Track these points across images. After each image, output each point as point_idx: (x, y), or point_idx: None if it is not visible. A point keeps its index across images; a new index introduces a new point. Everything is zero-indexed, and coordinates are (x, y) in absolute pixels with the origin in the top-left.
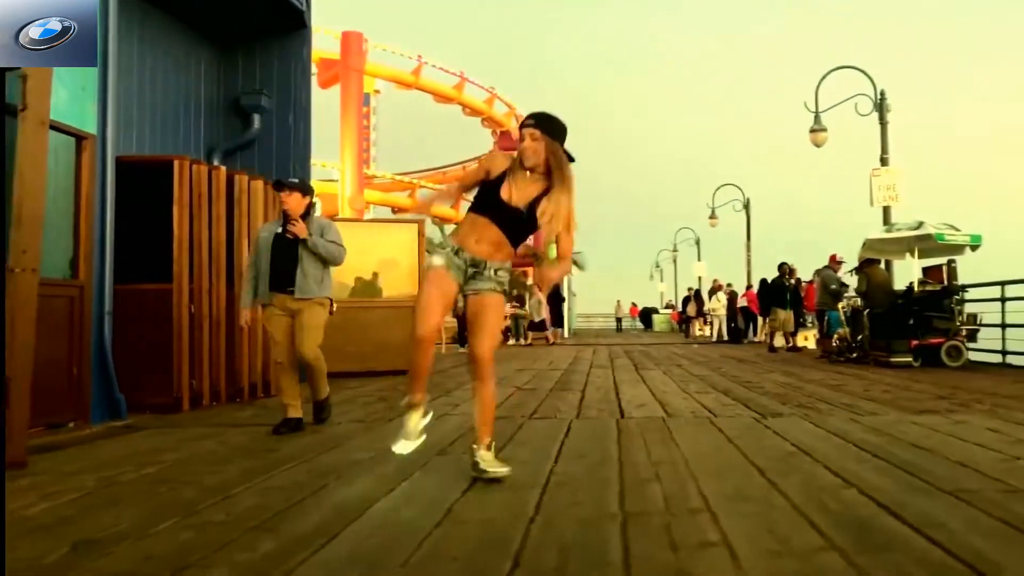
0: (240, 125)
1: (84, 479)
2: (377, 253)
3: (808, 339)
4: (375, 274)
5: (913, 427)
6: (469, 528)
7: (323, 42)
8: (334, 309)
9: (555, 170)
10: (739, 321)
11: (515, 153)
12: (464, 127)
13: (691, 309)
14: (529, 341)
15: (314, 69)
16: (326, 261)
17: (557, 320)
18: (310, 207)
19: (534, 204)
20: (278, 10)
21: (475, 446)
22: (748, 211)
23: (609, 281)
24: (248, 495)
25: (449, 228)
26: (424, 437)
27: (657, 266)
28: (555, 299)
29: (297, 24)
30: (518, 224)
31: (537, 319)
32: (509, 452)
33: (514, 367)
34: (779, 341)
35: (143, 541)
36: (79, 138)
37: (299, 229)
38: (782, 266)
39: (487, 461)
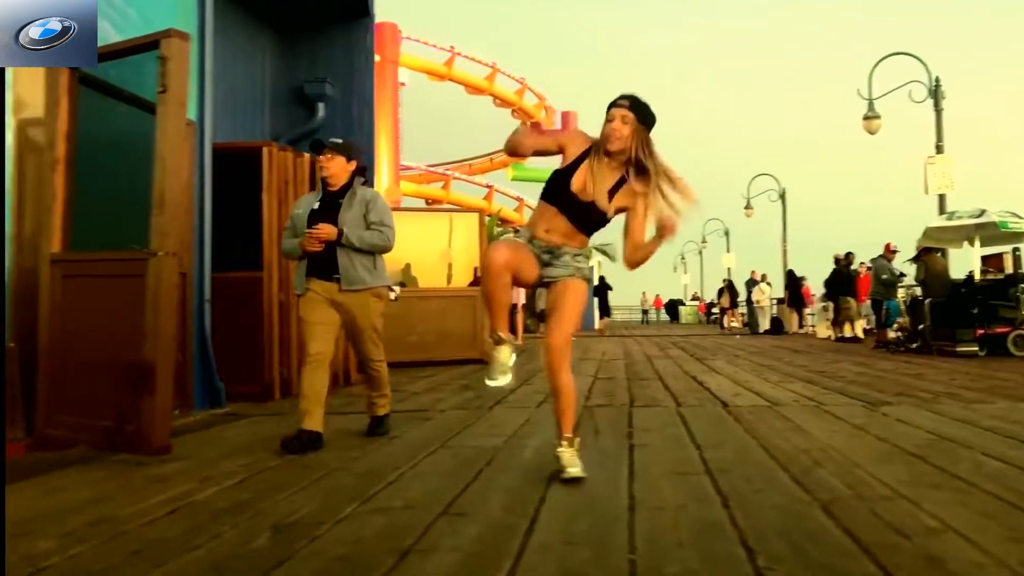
0: (304, 114)
1: (229, 464)
2: (438, 242)
3: (855, 329)
4: (435, 263)
5: None
6: (667, 514)
7: None
8: (395, 295)
9: (647, 162)
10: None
11: (596, 135)
12: (493, 118)
13: (724, 300)
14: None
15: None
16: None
17: (605, 310)
18: (356, 174)
19: (609, 195)
20: None
21: (558, 441)
22: (784, 201)
23: (629, 273)
24: (410, 480)
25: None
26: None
27: (682, 258)
28: (602, 290)
29: (360, 12)
30: (589, 216)
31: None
32: (641, 439)
33: (575, 356)
34: (852, 330)
35: (341, 525)
36: None
37: (325, 232)
38: (848, 255)
39: (565, 458)
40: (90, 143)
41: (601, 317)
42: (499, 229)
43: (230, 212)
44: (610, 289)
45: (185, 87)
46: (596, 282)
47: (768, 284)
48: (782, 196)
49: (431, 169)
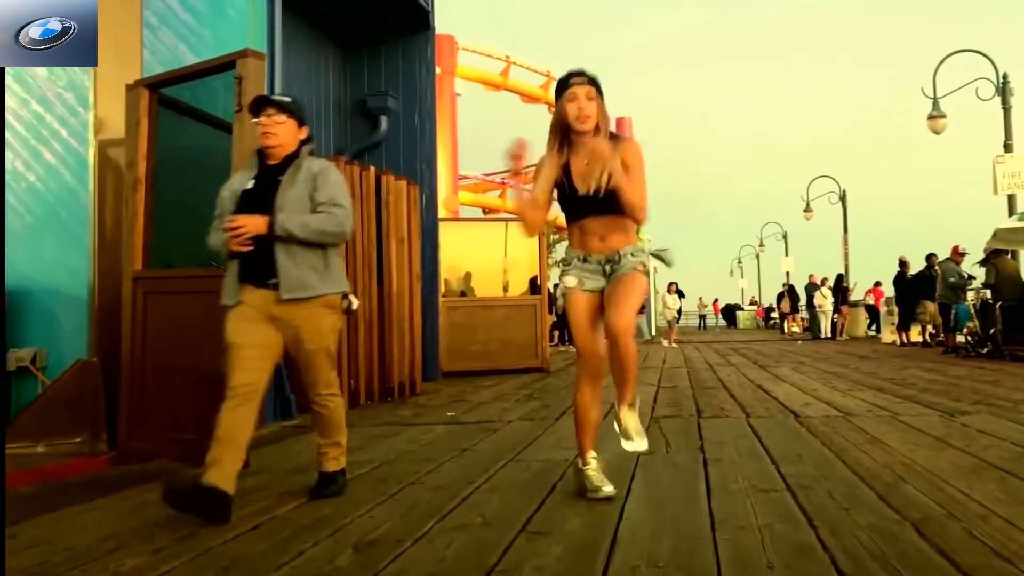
0: (367, 127)
1: (307, 478)
2: (499, 252)
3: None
4: (496, 273)
5: None
6: (751, 534)
7: None
8: (355, 305)
9: (607, 134)
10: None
11: (551, 141)
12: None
13: (785, 305)
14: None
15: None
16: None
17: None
18: (304, 143)
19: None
20: (404, 11)
21: (617, 409)
22: (844, 203)
23: (685, 278)
24: (486, 495)
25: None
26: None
27: (739, 262)
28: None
29: (422, 25)
30: (613, 200)
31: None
32: (714, 452)
33: None
34: (921, 335)
35: (420, 544)
36: None
37: (252, 224)
38: (929, 257)
39: (629, 422)
40: (169, 162)
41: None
42: (555, 236)
43: None
44: (683, 296)
45: None
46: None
47: (829, 288)
48: (842, 198)
49: (488, 178)
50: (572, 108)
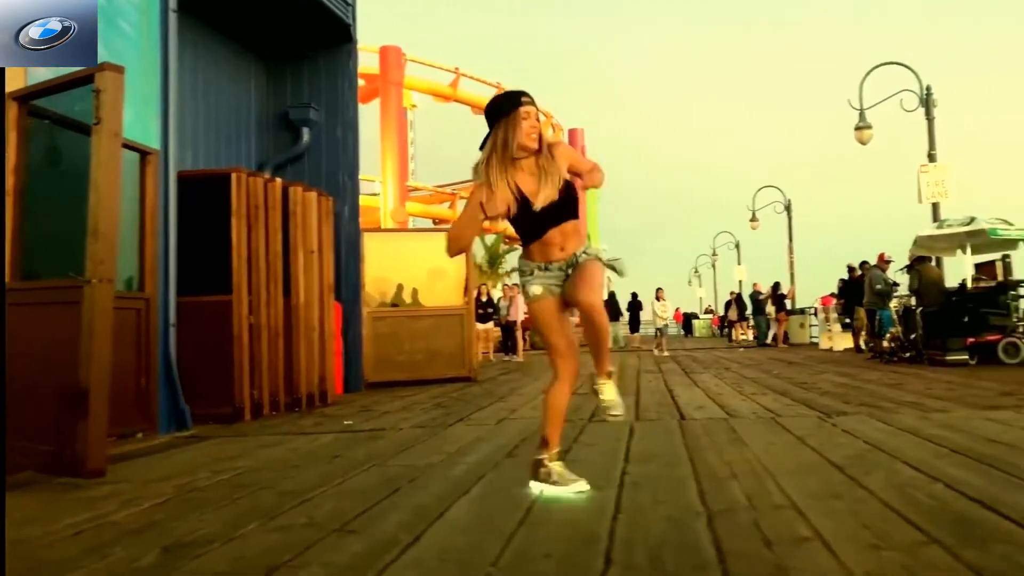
0: (290, 139)
1: (162, 486)
2: (424, 262)
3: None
4: (423, 283)
5: (986, 423)
6: (553, 527)
7: (362, 57)
8: None
9: (545, 145)
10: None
11: (504, 160)
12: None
13: (732, 313)
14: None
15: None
16: None
17: (635, 326)
18: None
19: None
20: (325, 25)
21: (596, 376)
22: (790, 213)
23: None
24: (326, 499)
25: (490, 237)
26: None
27: (696, 271)
28: (634, 307)
29: (344, 38)
30: (571, 203)
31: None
32: (576, 454)
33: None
34: (855, 340)
35: (231, 544)
36: (143, 153)
37: None
38: (862, 264)
39: (606, 392)
40: (41, 173)
41: (632, 332)
42: (505, 247)
43: (203, 238)
44: (641, 308)
45: (119, 118)
46: (629, 298)
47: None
48: (787, 208)
49: (438, 189)
50: (526, 126)
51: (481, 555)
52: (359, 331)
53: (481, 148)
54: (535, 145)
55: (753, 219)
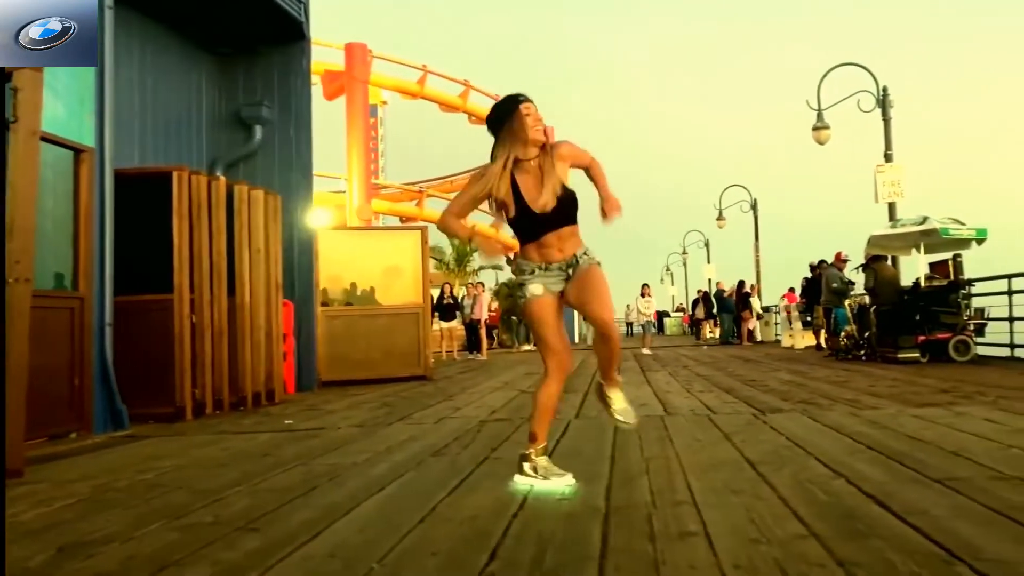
0: (242, 137)
1: (80, 486)
2: (381, 260)
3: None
4: (379, 281)
5: (912, 420)
6: (452, 525)
7: (328, 54)
8: None
9: (549, 145)
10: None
11: (507, 158)
12: (470, 135)
13: (699, 312)
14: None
15: (315, 80)
16: None
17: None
18: None
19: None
20: (276, 22)
21: (605, 385)
22: (756, 211)
23: (616, 284)
24: (240, 497)
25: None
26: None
27: (668, 269)
28: None
29: (296, 35)
30: (571, 207)
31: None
32: (503, 452)
33: (521, 371)
34: (816, 338)
35: (129, 543)
36: (77, 151)
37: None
38: (821, 263)
39: (617, 399)
40: None
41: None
42: (471, 246)
43: (144, 237)
44: None
45: (38, 116)
46: None
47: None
48: (753, 207)
49: (407, 187)
50: (530, 120)
51: (371, 552)
52: (312, 330)
53: (492, 159)
54: (543, 137)
55: (720, 218)
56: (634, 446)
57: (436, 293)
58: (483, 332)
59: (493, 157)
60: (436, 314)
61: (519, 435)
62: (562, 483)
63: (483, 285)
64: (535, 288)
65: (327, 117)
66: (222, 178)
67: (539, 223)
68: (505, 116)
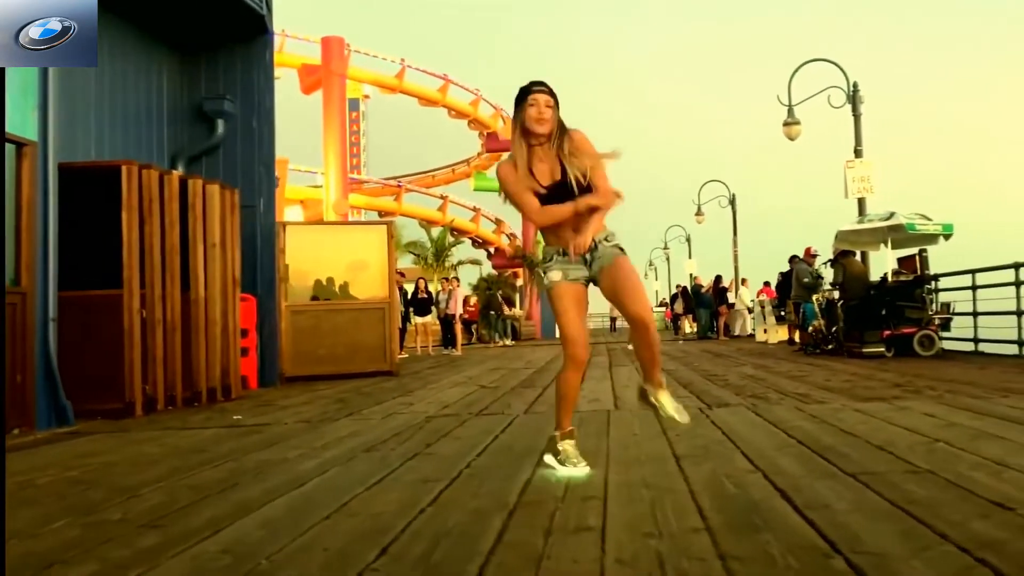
0: (204, 131)
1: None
2: (347, 255)
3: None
4: (345, 276)
5: (853, 414)
6: (356, 520)
7: (305, 48)
8: None
9: (563, 134)
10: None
11: (517, 145)
12: (453, 129)
13: (679, 307)
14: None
15: (279, 74)
16: None
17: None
18: None
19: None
20: (238, 16)
21: (648, 388)
22: (734, 207)
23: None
24: (156, 494)
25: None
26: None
27: (651, 264)
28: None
29: (259, 29)
30: (578, 189)
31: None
32: (438, 448)
33: (490, 367)
34: (789, 333)
35: (28, 540)
36: (19, 145)
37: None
38: (792, 258)
39: (666, 400)
40: None
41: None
42: (451, 240)
43: (93, 232)
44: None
45: None
46: None
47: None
48: (732, 202)
49: (386, 182)
50: (532, 112)
51: (264, 549)
52: (275, 325)
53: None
54: (540, 130)
55: (699, 213)
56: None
57: (411, 288)
58: (458, 327)
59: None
60: (411, 309)
61: (460, 430)
62: (575, 472)
63: (458, 280)
64: (553, 274)
65: (307, 111)
66: (175, 172)
67: (550, 200)
68: (517, 102)
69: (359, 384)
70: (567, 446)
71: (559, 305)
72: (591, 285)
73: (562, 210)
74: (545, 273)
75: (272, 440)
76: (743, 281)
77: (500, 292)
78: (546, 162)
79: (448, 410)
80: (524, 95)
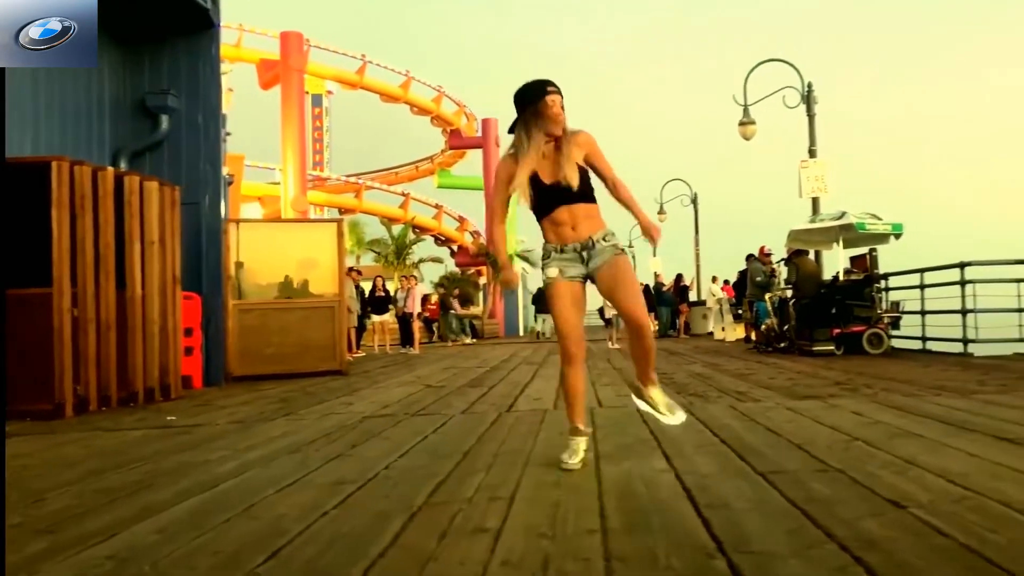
0: (148, 126)
1: None
2: (296, 253)
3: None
4: (296, 274)
5: (784, 412)
6: (256, 523)
7: (263, 42)
8: None
9: (568, 132)
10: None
11: (530, 141)
12: (418, 126)
13: None
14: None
15: (227, 68)
16: None
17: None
18: None
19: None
20: (181, 9)
21: (640, 387)
22: (696, 206)
23: None
24: (63, 498)
25: (397, 227)
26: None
27: None
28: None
29: (204, 23)
30: (585, 186)
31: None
32: (364, 449)
33: (443, 366)
34: (746, 331)
35: None
36: None
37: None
38: (748, 257)
39: (658, 398)
40: None
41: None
42: (412, 236)
43: (19, 229)
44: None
45: None
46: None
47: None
48: (694, 201)
49: (347, 179)
50: (550, 112)
51: (152, 553)
52: (221, 324)
53: (510, 131)
54: (557, 131)
55: (661, 211)
56: (494, 440)
57: (368, 286)
58: (415, 325)
59: (511, 130)
60: (368, 308)
61: (392, 431)
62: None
63: (415, 278)
64: (551, 271)
65: (267, 107)
66: (109, 169)
67: (550, 196)
68: (532, 99)
69: (306, 384)
70: (575, 443)
71: (555, 302)
72: (586, 278)
73: (502, 254)
74: (543, 271)
75: (199, 441)
76: (713, 279)
77: (456, 290)
78: (551, 160)
79: (387, 410)
80: (539, 95)
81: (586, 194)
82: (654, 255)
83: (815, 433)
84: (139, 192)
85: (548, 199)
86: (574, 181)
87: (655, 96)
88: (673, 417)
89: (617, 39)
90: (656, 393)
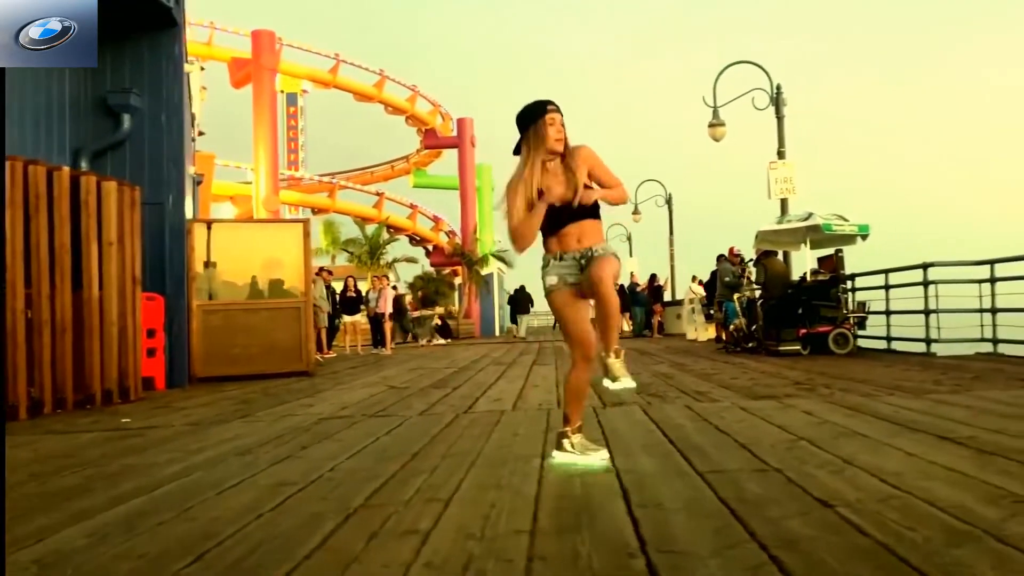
0: (109, 125)
1: None
2: (262, 254)
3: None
4: (262, 274)
5: (736, 412)
6: (189, 526)
7: (235, 41)
8: None
9: (570, 148)
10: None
11: (533, 160)
12: (394, 125)
13: None
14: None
15: (198, 67)
16: None
17: (513, 317)
18: None
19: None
20: (144, 7)
21: (602, 354)
22: (670, 206)
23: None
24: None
25: (371, 227)
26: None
27: None
28: (514, 300)
29: (167, 21)
30: (594, 207)
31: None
32: (313, 451)
33: (410, 367)
34: (717, 331)
35: None
36: None
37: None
38: (719, 257)
39: (615, 368)
40: None
41: (511, 323)
42: (386, 237)
43: None
44: (532, 304)
45: None
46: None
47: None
48: (668, 201)
49: (321, 179)
50: (552, 131)
51: (77, 557)
52: (185, 325)
53: (515, 153)
54: (560, 148)
55: (635, 212)
56: (445, 441)
57: (340, 287)
58: (387, 326)
59: (516, 151)
60: (339, 308)
61: (346, 432)
62: (597, 458)
63: (387, 279)
64: (550, 279)
65: (241, 106)
66: (65, 168)
67: (563, 214)
68: (532, 119)
69: (269, 385)
70: (578, 439)
71: (563, 311)
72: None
73: (536, 213)
74: (543, 280)
75: (149, 444)
76: (693, 278)
77: (420, 292)
78: (555, 176)
79: (345, 411)
80: (540, 114)
81: (595, 211)
82: (630, 255)
83: (762, 433)
84: (96, 192)
85: (560, 217)
86: (588, 202)
87: (630, 96)
88: (623, 383)
89: (590, 36)
90: (612, 362)
